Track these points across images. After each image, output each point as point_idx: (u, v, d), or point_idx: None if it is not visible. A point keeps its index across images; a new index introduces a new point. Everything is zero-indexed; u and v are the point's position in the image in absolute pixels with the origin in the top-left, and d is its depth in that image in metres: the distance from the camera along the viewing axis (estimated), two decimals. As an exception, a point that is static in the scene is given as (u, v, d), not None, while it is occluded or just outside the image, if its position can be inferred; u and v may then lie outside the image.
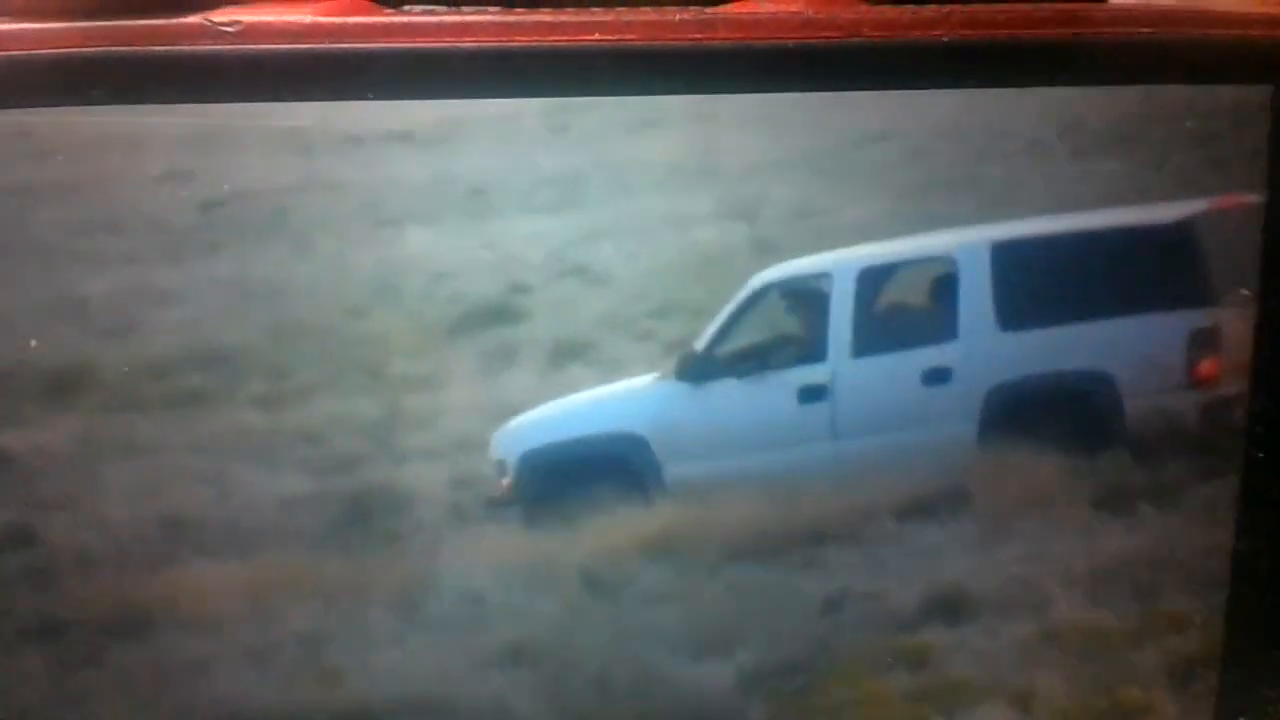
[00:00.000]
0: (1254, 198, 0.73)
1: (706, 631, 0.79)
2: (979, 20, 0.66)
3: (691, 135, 0.71)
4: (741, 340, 0.77)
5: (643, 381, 0.77)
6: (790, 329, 0.79)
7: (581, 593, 0.77)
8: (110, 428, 0.72)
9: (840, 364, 0.78)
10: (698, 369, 0.77)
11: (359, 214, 0.71)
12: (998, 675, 0.80)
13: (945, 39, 0.66)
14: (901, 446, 0.78)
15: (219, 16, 0.63)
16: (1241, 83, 0.69)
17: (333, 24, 0.64)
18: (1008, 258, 0.78)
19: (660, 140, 0.71)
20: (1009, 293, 0.78)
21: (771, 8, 0.66)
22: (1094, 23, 0.67)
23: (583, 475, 0.78)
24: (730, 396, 0.78)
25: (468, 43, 0.64)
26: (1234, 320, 0.76)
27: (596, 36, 0.64)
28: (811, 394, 0.78)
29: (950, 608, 0.80)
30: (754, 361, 0.78)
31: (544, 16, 0.65)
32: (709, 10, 0.66)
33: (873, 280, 0.78)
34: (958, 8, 0.66)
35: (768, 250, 0.75)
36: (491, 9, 0.67)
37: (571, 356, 0.75)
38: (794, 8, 0.66)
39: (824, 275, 0.77)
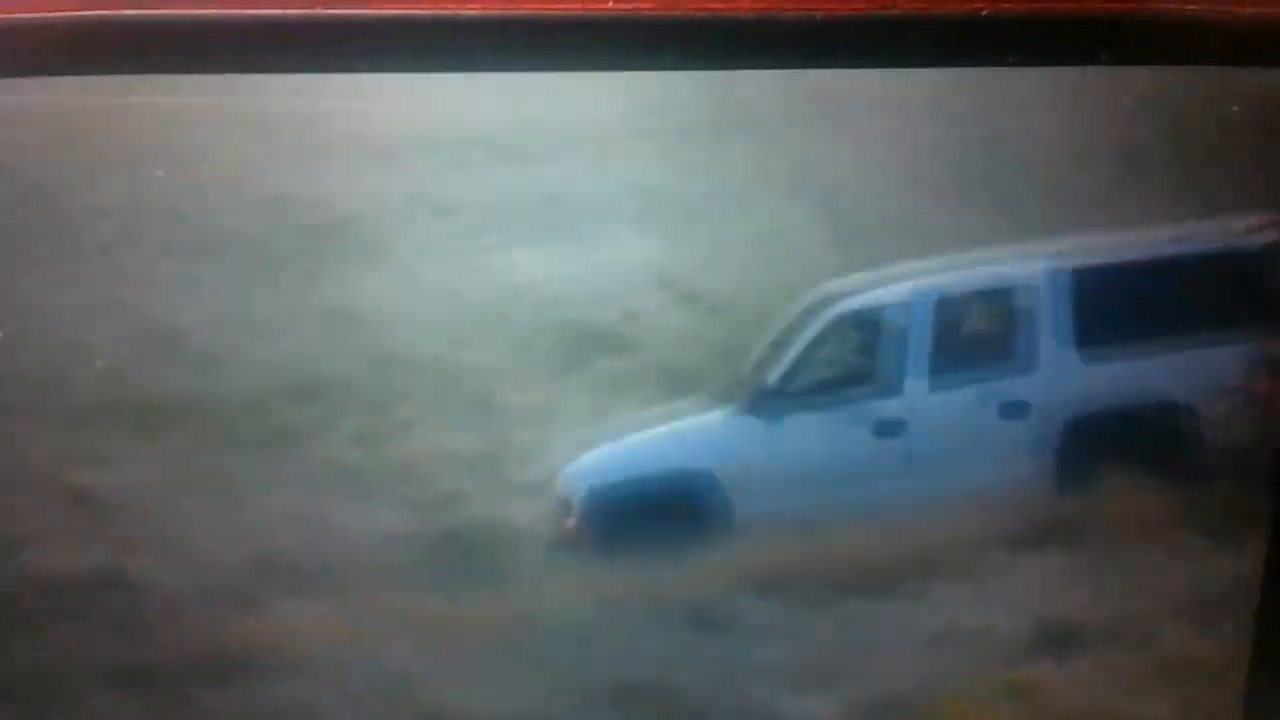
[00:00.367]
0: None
1: (806, 666, 0.77)
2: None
3: (786, 139, 0.68)
4: (816, 373, 0.74)
5: (713, 416, 0.74)
6: (865, 360, 0.76)
7: (683, 629, 0.75)
8: (202, 463, 0.69)
9: (917, 396, 0.75)
10: (771, 403, 0.75)
11: (462, 237, 0.68)
12: (1102, 708, 0.78)
13: (984, 12, 0.61)
14: (978, 482, 0.76)
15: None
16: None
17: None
18: (1090, 284, 0.76)
19: (755, 147, 0.68)
20: (1089, 321, 0.76)
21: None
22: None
23: (650, 514, 0.75)
24: (804, 431, 0.75)
25: (471, 9, 0.58)
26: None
27: (610, 5, 0.59)
28: (888, 428, 0.75)
29: (1050, 640, 0.78)
30: (829, 395, 0.75)
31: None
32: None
33: (950, 309, 0.76)
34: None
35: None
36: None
37: (682, 387, 0.72)
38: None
39: (901, 304, 0.75)
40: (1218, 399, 0.76)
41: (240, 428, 0.69)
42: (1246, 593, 0.77)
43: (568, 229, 0.69)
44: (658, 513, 0.75)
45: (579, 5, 0.59)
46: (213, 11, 0.58)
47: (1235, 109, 0.69)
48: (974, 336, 0.77)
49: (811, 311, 0.73)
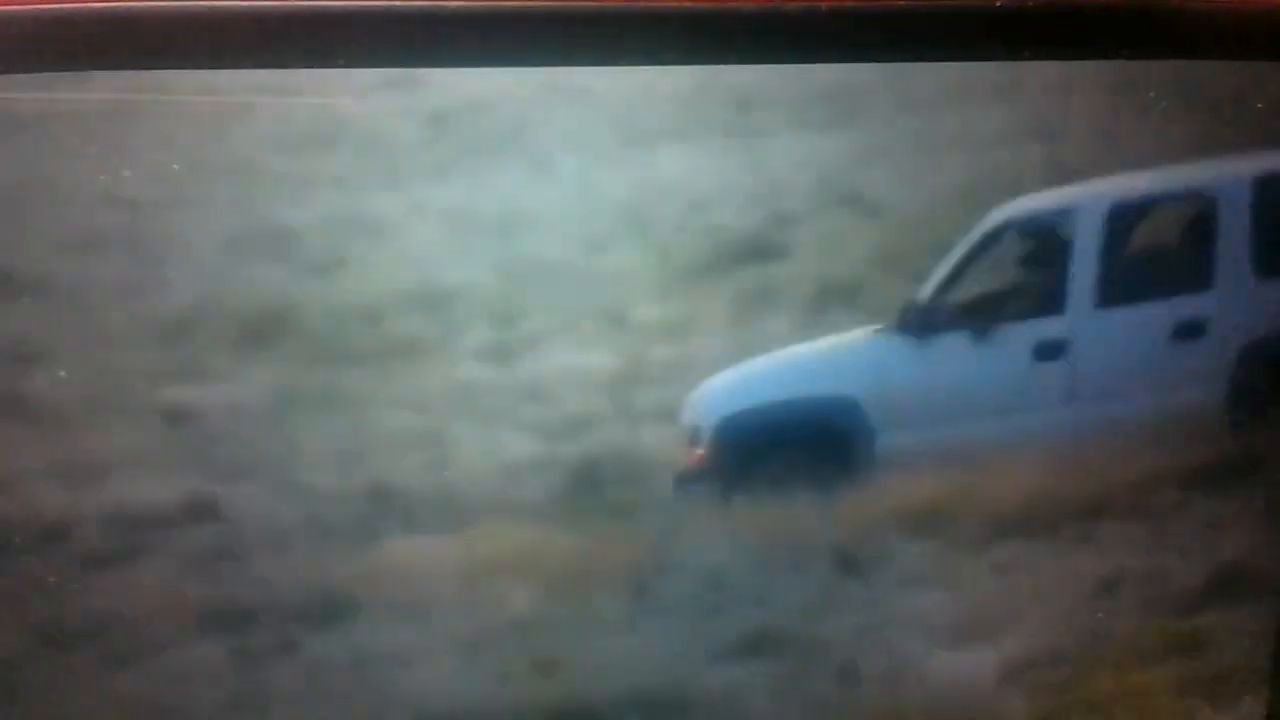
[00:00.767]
0: None
1: (960, 616, 0.70)
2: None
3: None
4: (972, 288, 0.67)
5: (856, 336, 0.67)
6: (1026, 275, 0.69)
7: (824, 573, 0.68)
8: (311, 381, 0.61)
9: (1082, 316, 0.68)
10: (920, 322, 0.67)
11: (600, 131, 0.61)
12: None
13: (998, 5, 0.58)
14: (1148, 410, 0.69)
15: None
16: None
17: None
18: (1273, 196, 0.68)
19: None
20: (1271, 236, 0.69)
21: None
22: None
23: (787, 445, 0.68)
24: (956, 353, 0.68)
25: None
26: None
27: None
28: (1049, 350, 0.68)
29: (1223, 589, 0.71)
30: (984, 313, 0.68)
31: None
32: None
33: (1122, 219, 0.68)
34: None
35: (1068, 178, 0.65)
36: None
37: (838, 299, 0.65)
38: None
39: (1069, 212, 0.67)
40: None
41: (353, 340, 0.61)
42: None
43: (714, 123, 0.62)
44: (795, 444, 0.68)
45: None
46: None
47: None
48: (1148, 250, 0.69)
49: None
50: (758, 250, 0.64)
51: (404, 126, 0.59)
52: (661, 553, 0.66)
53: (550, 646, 0.66)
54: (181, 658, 0.63)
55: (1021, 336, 0.68)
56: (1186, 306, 0.69)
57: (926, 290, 0.66)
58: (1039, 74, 0.63)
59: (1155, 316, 0.69)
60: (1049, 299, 0.68)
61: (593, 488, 0.64)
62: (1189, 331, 0.69)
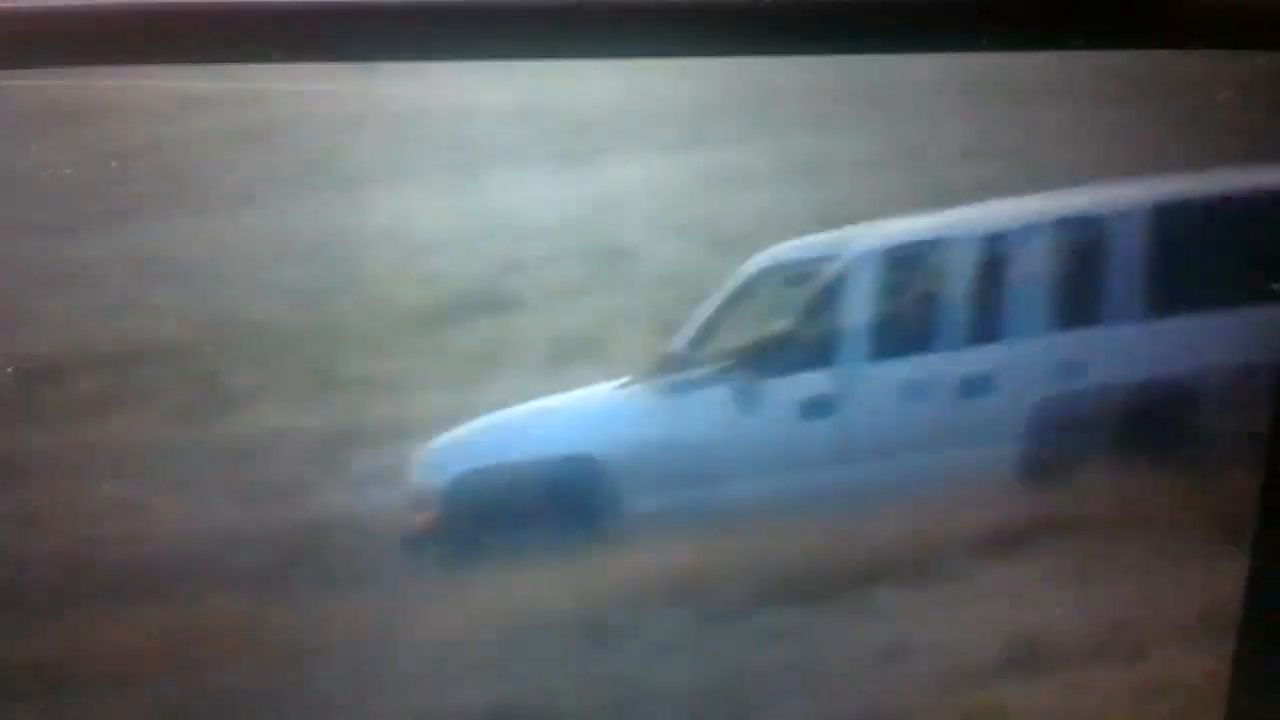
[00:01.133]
0: None
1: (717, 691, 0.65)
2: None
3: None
4: (731, 339, 0.62)
5: (597, 391, 0.62)
6: (792, 325, 0.63)
7: (567, 646, 0.63)
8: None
9: (853, 371, 0.63)
10: (674, 374, 0.62)
11: (309, 167, 0.56)
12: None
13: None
14: (931, 471, 0.64)
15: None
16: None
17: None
18: (1066, 238, 0.63)
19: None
20: (1070, 281, 0.63)
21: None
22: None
23: (522, 507, 0.63)
24: (713, 410, 0.63)
25: None
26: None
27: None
28: (817, 407, 0.63)
29: (1016, 660, 0.66)
30: (745, 367, 0.63)
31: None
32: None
33: (897, 265, 0.63)
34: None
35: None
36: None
37: (581, 351, 0.60)
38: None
39: (838, 258, 0.62)
40: (1222, 376, 0.64)
41: (35, 399, 0.57)
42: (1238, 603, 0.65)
43: (437, 160, 0.57)
44: (531, 506, 0.63)
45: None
46: None
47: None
48: (929, 299, 0.64)
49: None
50: (489, 301, 0.59)
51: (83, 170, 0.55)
52: (387, 624, 0.61)
53: (266, 726, 0.61)
54: None
55: (786, 392, 0.63)
56: (972, 360, 0.64)
57: (680, 341, 0.62)
58: (798, 111, 0.58)
59: (936, 371, 0.64)
60: (817, 352, 0.63)
61: (308, 555, 0.60)
62: (974, 387, 0.64)
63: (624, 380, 0.62)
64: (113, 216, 0.56)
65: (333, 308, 0.58)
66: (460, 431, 0.60)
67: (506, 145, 0.57)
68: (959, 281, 0.64)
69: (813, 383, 0.63)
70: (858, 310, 0.63)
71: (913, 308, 0.64)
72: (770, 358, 0.63)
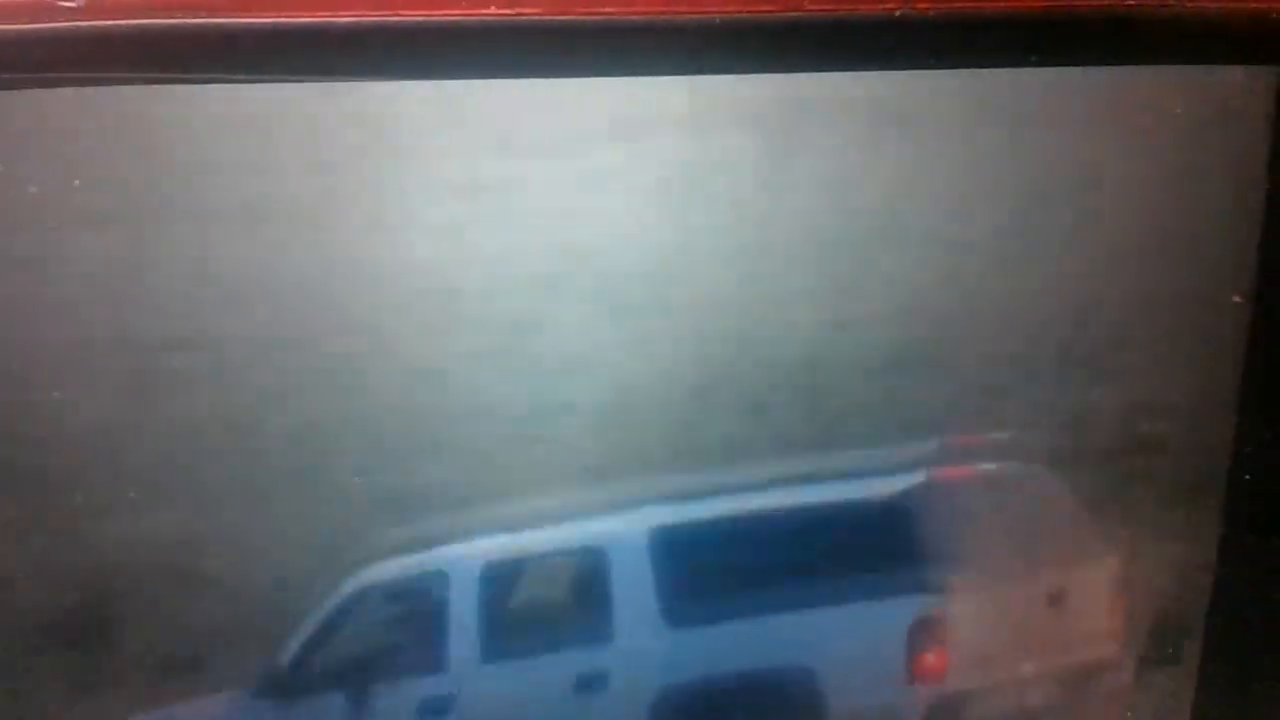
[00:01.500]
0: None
1: None
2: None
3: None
4: (340, 650, 0.63)
5: (205, 704, 0.61)
6: (404, 635, 0.65)
7: None
8: None
9: (468, 673, 0.65)
10: (282, 685, 0.63)
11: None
12: None
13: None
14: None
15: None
16: (1250, 62, 0.60)
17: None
18: (672, 543, 0.67)
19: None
20: (677, 583, 0.67)
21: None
22: None
23: None
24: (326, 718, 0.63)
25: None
26: (961, 606, 0.65)
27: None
28: (431, 708, 0.64)
29: None
30: (357, 675, 0.64)
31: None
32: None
33: (502, 577, 0.66)
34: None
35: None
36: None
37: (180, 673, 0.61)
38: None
39: (438, 574, 0.65)
40: (843, 664, 0.67)
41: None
42: None
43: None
44: None
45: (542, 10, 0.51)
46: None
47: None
48: (537, 605, 0.67)
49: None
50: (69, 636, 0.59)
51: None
52: None
53: None
54: None
55: (402, 697, 0.64)
56: (585, 658, 0.66)
57: (286, 654, 0.63)
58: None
59: (550, 670, 0.66)
60: (431, 657, 0.65)
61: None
62: (590, 684, 0.66)
63: (227, 693, 0.62)
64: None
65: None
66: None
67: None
68: (567, 588, 0.68)
69: (429, 686, 0.64)
70: (464, 620, 0.66)
71: (524, 613, 0.67)
72: (384, 665, 0.65)
